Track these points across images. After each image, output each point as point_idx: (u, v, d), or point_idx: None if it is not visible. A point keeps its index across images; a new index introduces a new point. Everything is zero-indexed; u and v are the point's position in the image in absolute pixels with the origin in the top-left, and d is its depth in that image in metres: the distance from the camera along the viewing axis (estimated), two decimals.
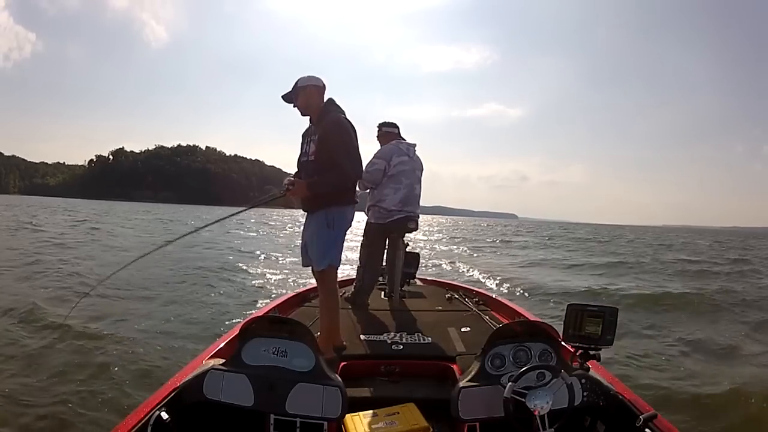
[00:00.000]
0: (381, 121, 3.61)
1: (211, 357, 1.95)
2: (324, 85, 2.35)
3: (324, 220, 2.29)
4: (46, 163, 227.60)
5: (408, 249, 3.73)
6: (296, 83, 2.33)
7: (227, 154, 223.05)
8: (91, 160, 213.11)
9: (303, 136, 2.44)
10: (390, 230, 3.46)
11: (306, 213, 2.44)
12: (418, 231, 3.83)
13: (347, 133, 2.27)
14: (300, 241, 2.55)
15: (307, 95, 2.32)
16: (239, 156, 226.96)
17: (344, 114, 2.34)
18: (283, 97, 2.36)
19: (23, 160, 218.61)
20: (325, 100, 2.37)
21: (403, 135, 3.59)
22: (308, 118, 2.40)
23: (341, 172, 2.23)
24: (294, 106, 2.36)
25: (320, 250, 2.32)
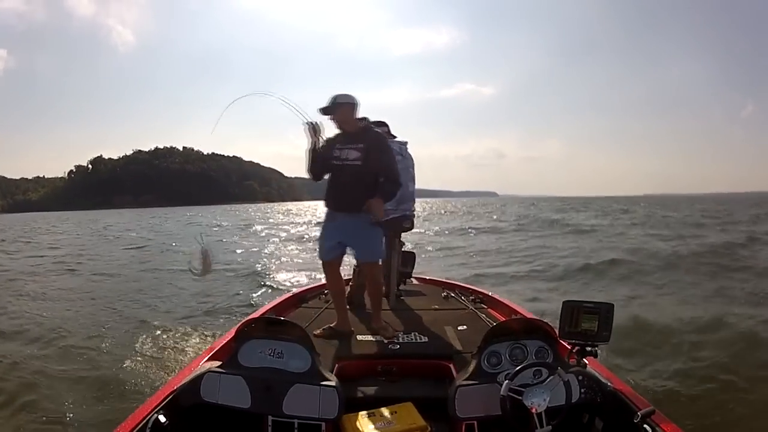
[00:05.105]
0: (371, 122, 3.59)
1: (208, 359, 1.95)
2: (358, 102, 2.64)
3: (370, 219, 2.53)
4: (27, 179, 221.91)
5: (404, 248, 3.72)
6: (335, 99, 2.58)
7: (205, 153, 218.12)
8: (71, 171, 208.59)
9: (331, 141, 2.67)
10: (386, 230, 3.45)
11: (336, 212, 2.66)
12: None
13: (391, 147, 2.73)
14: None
15: (344, 112, 2.59)
16: (217, 154, 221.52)
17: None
18: (321, 109, 2.59)
19: (3, 178, 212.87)
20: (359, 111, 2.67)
21: (384, 124, 3.57)
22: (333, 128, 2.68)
23: (398, 183, 2.65)
24: (330, 119, 2.62)
25: (373, 245, 2.66)
